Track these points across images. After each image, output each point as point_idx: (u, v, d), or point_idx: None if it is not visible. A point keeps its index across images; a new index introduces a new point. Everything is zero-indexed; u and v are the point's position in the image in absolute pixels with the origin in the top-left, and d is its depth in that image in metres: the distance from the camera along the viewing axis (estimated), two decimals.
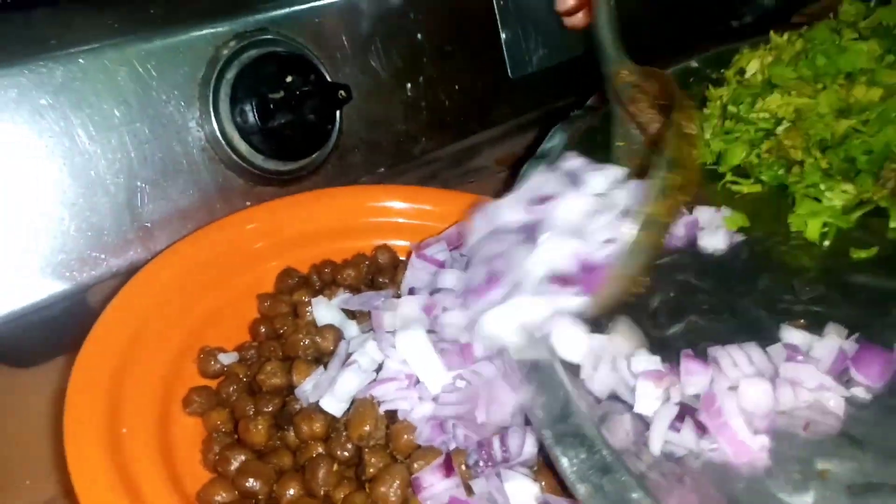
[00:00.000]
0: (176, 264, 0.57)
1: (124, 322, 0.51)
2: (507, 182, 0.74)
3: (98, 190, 0.59)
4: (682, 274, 0.55)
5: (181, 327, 0.54)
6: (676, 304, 0.51)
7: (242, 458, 0.45)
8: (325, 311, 0.55)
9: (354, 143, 0.74)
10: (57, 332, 0.63)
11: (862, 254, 0.55)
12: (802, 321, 0.48)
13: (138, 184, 0.61)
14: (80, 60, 0.58)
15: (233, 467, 0.45)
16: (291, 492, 0.43)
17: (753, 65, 0.73)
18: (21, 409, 0.60)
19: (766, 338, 0.46)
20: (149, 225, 0.62)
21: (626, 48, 0.67)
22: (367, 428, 0.43)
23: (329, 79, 0.69)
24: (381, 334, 0.49)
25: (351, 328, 0.55)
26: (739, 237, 0.58)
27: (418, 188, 0.70)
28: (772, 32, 0.78)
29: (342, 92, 0.65)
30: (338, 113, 0.69)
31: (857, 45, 0.68)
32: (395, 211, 0.67)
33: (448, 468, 0.41)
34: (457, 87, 0.81)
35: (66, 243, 0.58)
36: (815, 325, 0.47)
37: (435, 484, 0.41)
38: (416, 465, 0.42)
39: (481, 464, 0.42)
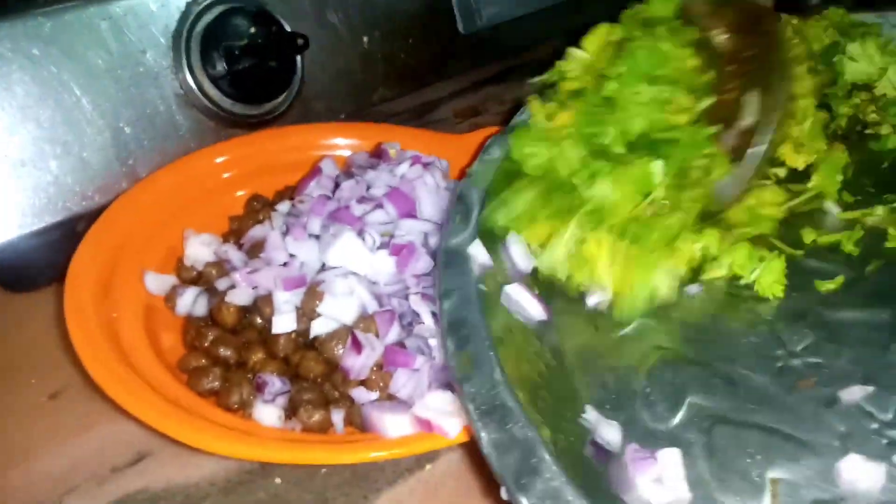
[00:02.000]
0: (155, 189, 0.65)
1: (111, 232, 0.59)
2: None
3: (86, 130, 0.67)
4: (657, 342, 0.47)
5: (162, 240, 0.62)
6: (669, 384, 0.44)
7: (215, 333, 0.53)
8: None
9: (316, 90, 0.82)
10: (50, 260, 0.70)
11: (829, 285, 0.51)
12: (812, 380, 0.44)
13: (121, 125, 0.69)
14: (67, 15, 0.65)
15: (207, 342, 0.53)
16: (257, 356, 0.51)
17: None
18: (21, 327, 0.68)
19: (777, 408, 0.42)
20: (132, 162, 0.70)
21: None
22: (315, 304, 0.52)
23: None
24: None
25: None
26: (695, 288, 0.51)
27: (362, 125, 0.78)
28: None
29: (300, 39, 0.73)
30: (298, 59, 0.77)
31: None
32: (341, 146, 0.75)
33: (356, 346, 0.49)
34: (410, 41, 0.89)
35: (58, 177, 0.65)
36: (823, 381, 0.43)
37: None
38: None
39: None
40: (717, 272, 0.51)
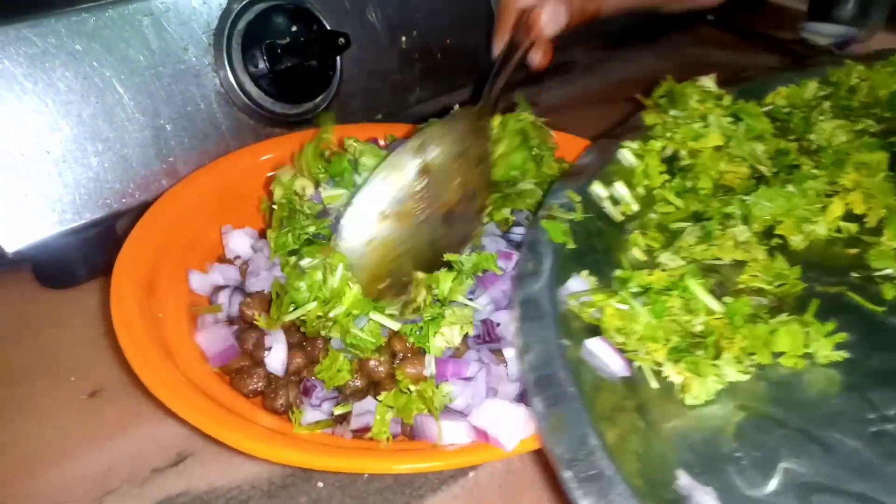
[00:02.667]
0: (198, 187, 0.65)
1: (153, 234, 0.59)
2: None
3: (127, 126, 0.66)
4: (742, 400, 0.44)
5: (205, 238, 0.62)
6: (760, 447, 0.41)
7: (258, 334, 0.52)
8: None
9: (354, 91, 0.81)
10: (90, 257, 0.70)
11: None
12: None
13: (162, 122, 0.69)
14: (109, 11, 0.65)
15: (250, 343, 0.52)
16: (298, 360, 0.50)
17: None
18: (60, 323, 0.68)
19: (875, 475, 0.39)
20: (172, 159, 0.69)
21: None
22: None
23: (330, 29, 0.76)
24: None
25: None
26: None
27: (399, 126, 0.76)
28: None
29: (342, 39, 0.72)
30: (338, 59, 0.76)
31: None
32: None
33: None
34: (448, 41, 0.89)
35: (99, 174, 0.65)
36: None
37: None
38: None
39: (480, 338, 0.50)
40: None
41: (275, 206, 0.59)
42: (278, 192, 0.59)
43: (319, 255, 0.48)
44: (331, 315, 0.47)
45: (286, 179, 0.59)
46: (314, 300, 0.48)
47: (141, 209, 0.67)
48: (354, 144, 0.59)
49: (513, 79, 0.72)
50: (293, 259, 0.50)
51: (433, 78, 0.88)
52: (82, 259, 0.70)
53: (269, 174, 0.68)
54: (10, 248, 0.61)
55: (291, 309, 0.48)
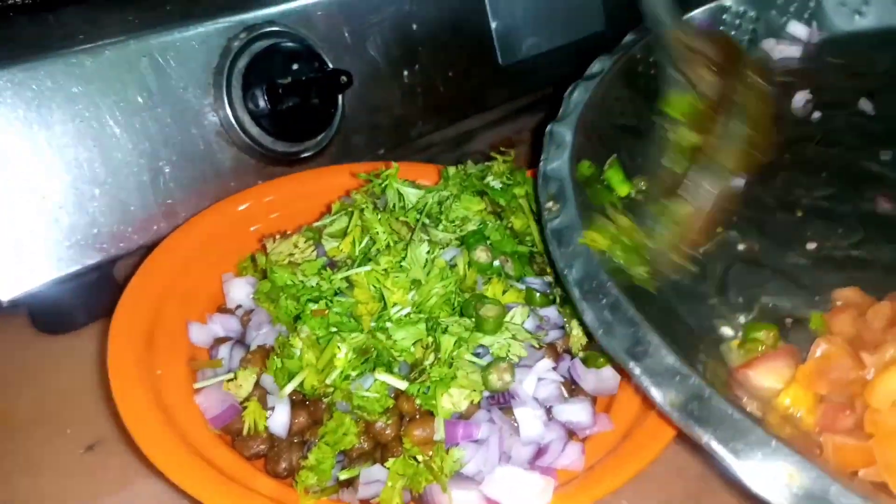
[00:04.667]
0: (198, 233, 0.63)
1: (152, 283, 0.58)
2: None
3: (125, 169, 0.65)
4: None
5: (204, 288, 0.60)
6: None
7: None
8: None
9: (356, 126, 0.80)
10: (87, 302, 0.69)
11: None
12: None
13: (160, 164, 0.67)
14: (107, 52, 0.64)
15: None
16: (301, 419, 0.49)
17: None
18: (57, 371, 0.66)
19: None
20: (170, 201, 0.68)
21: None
22: None
23: (331, 66, 0.75)
24: None
25: None
26: None
27: (404, 164, 0.75)
28: None
29: (344, 77, 0.71)
30: (340, 97, 0.75)
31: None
32: None
33: None
34: (450, 73, 0.87)
35: (96, 218, 0.64)
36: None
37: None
38: None
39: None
40: None
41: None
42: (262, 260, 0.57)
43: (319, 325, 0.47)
44: (327, 382, 0.46)
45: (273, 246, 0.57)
46: (306, 369, 0.46)
47: (139, 253, 0.66)
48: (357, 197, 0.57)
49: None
50: (301, 325, 0.48)
51: (436, 111, 0.87)
52: (80, 304, 0.68)
53: (273, 216, 0.67)
54: (6, 295, 0.60)
55: (287, 380, 0.47)
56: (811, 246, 0.58)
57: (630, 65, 0.71)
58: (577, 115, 0.60)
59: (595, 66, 0.70)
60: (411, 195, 0.54)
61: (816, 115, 0.72)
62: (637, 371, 0.42)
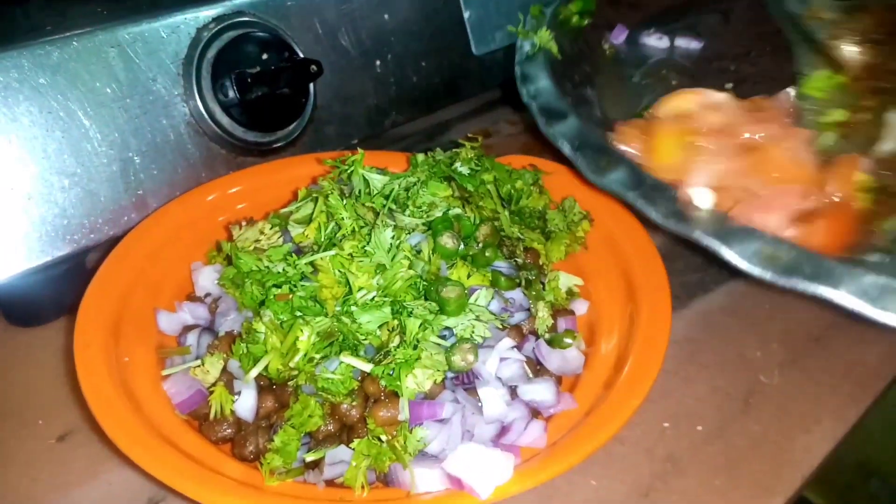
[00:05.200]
0: (166, 222, 0.63)
1: (120, 272, 0.58)
2: None
3: (94, 161, 0.65)
4: None
5: (173, 277, 0.60)
6: None
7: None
8: None
9: (328, 116, 0.80)
10: (59, 293, 0.69)
11: None
12: None
13: (130, 155, 0.67)
14: (74, 43, 0.64)
15: None
16: (268, 403, 0.49)
17: None
18: (28, 363, 0.66)
19: None
20: (141, 192, 0.68)
21: None
22: None
23: (302, 56, 0.75)
24: None
25: None
26: None
27: (376, 153, 0.75)
28: None
29: (314, 66, 0.71)
30: (311, 86, 0.75)
31: None
32: None
33: None
34: (423, 63, 0.88)
35: (66, 209, 0.64)
36: None
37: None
38: None
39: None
40: None
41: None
42: (227, 247, 0.58)
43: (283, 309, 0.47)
44: (291, 365, 0.46)
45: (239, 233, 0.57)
46: (270, 353, 0.47)
47: (110, 244, 0.66)
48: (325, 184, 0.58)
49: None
50: (265, 310, 0.48)
51: (409, 101, 0.87)
52: (51, 296, 0.68)
53: (240, 206, 0.67)
54: None
55: (253, 364, 0.47)
56: None
57: None
58: None
59: None
60: (377, 181, 0.54)
61: None
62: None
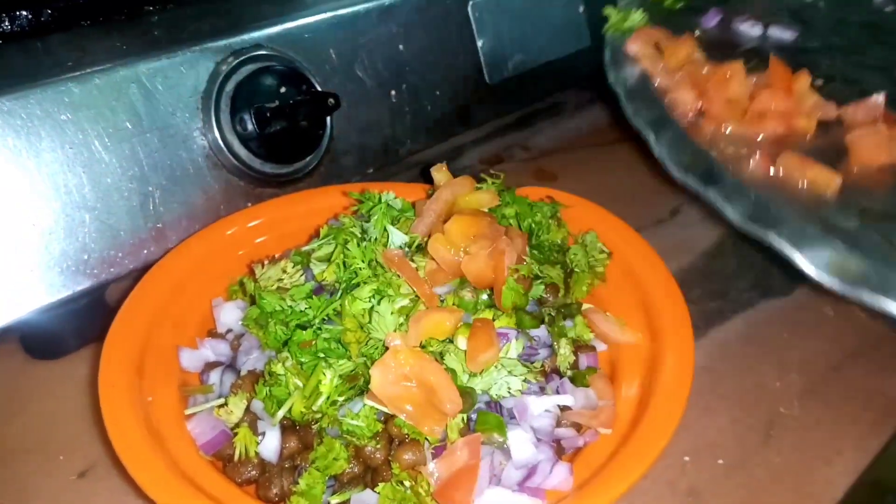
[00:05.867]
0: (188, 258, 0.63)
1: (143, 308, 0.58)
2: None
3: (114, 195, 0.65)
4: None
5: (195, 312, 0.61)
6: None
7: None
8: None
9: (345, 147, 0.81)
10: (79, 327, 0.69)
11: None
12: None
13: (150, 189, 0.68)
14: (95, 79, 0.64)
15: None
16: (292, 444, 0.49)
17: None
18: (49, 396, 0.66)
19: None
20: (161, 226, 0.68)
21: None
22: None
23: (319, 88, 0.75)
24: None
25: None
26: None
27: (393, 185, 0.75)
28: None
29: (331, 99, 0.71)
30: (328, 119, 0.76)
31: None
32: None
33: None
34: (437, 92, 0.88)
35: (87, 244, 0.64)
36: None
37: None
38: None
39: None
40: None
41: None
42: (251, 286, 0.58)
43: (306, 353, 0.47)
44: (314, 408, 0.46)
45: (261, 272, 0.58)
46: (293, 394, 0.47)
47: (130, 277, 0.66)
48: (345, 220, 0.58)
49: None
50: (284, 352, 0.49)
51: (424, 130, 0.88)
52: (71, 329, 0.69)
53: (259, 240, 0.67)
54: None
55: (277, 407, 0.47)
56: None
57: None
58: None
59: None
60: (396, 239, 0.54)
61: None
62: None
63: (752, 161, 0.56)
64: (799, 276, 0.49)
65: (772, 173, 0.56)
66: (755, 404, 0.66)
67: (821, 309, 0.77)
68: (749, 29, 0.81)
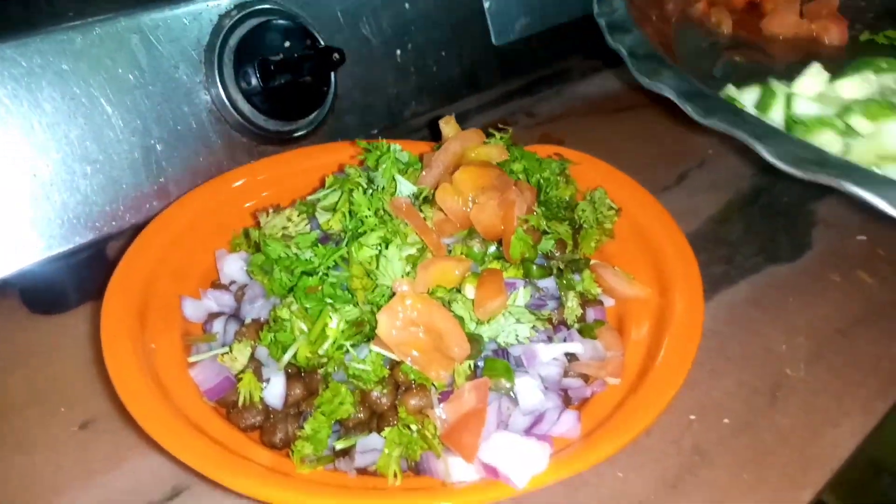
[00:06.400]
0: (190, 209, 0.63)
1: (145, 259, 0.57)
2: None
3: (116, 148, 0.64)
4: None
5: (198, 264, 0.60)
6: None
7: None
8: None
9: (348, 106, 0.79)
10: (80, 281, 0.69)
11: None
12: None
13: (152, 142, 0.67)
14: (97, 29, 0.63)
15: None
16: (296, 391, 0.49)
17: None
18: (50, 351, 0.66)
19: None
20: (163, 180, 0.67)
21: None
22: None
23: (324, 44, 0.74)
24: None
25: None
26: None
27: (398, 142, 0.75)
28: None
29: (336, 54, 0.70)
30: (332, 75, 0.75)
31: None
32: None
33: None
34: (443, 53, 0.87)
35: (88, 196, 0.63)
36: None
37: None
38: None
39: None
40: None
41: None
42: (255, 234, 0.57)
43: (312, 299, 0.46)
44: (320, 352, 0.46)
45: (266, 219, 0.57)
46: (299, 339, 0.46)
47: (131, 231, 0.65)
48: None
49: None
50: (289, 298, 0.48)
51: (429, 91, 0.87)
52: (72, 284, 0.68)
53: (264, 193, 0.66)
54: None
55: (282, 352, 0.47)
56: None
57: None
58: None
59: None
60: (404, 188, 0.53)
61: None
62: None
63: None
64: (806, 243, 0.50)
65: None
66: (761, 367, 0.66)
67: (827, 275, 0.76)
68: None
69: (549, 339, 0.50)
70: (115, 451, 0.57)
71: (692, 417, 0.61)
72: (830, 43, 0.87)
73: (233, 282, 0.59)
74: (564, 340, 0.51)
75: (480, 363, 0.48)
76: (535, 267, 0.52)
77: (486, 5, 0.89)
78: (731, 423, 0.61)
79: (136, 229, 0.65)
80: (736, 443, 0.59)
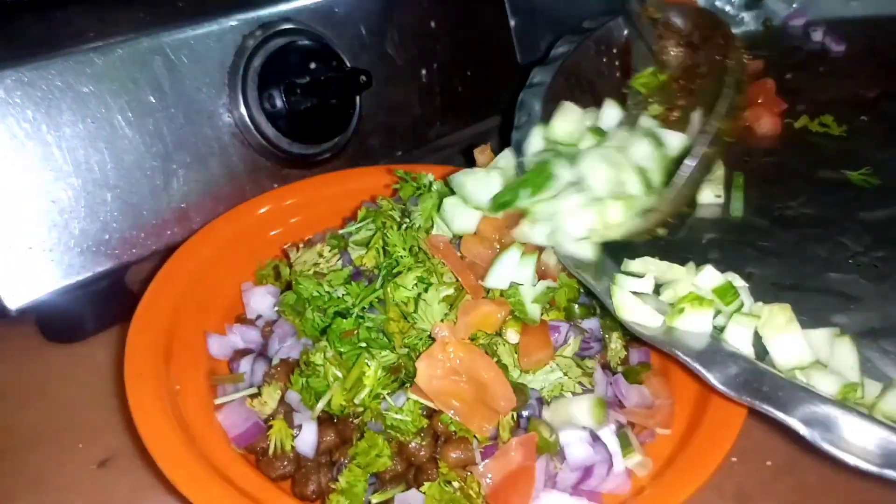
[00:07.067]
0: (213, 240, 0.60)
1: (169, 292, 0.55)
2: None
3: (137, 173, 0.62)
4: None
5: (222, 297, 0.58)
6: None
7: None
8: None
9: (373, 127, 0.77)
10: (98, 310, 0.67)
11: None
12: None
13: (174, 167, 0.65)
14: (118, 51, 0.61)
15: None
16: (329, 439, 0.46)
17: None
18: (67, 381, 0.64)
19: None
20: (184, 206, 0.65)
21: None
22: None
23: (349, 65, 0.72)
24: None
25: None
26: None
27: (424, 167, 0.72)
28: None
29: (363, 77, 0.68)
30: (358, 97, 0.73)
31: None
32: None
33: None
34: (469, 73, 0.85)
35: (108, 223, 0.61)
36: None
37: None
38: None
39: None
40: None
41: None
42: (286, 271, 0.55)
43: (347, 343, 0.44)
44: (356, 401, 0.43)
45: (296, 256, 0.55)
46: (333, 385, 0.44)
47: (151, 259, 0.63)
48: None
49: None
50: (322, 342, 0.46)
51: (454, 111, 0.85)
52: (90, 312, 0.66)
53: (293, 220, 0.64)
54: (13, 304, 0.57)
55: (315, 399, 0.45)
56: None
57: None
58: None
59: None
60: (444, 230, 0.51)
61: None
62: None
63: None
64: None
65: None
66: None
67: None
68: None
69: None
70: (134, 491, 0.55)
71: (734, 460, 0.58)
72: (763, 134, 0.72)
73: (259, 316, 0.57)
74: (609, 385, 0.49)
75: (525, 413, 0.46)
76: (577, 307, 0.50)
77: (512, 23, 0.87)
78: (774, 466, 0.59)
79: (157, 256, 0.63)
80: (779, 485, 0.57)
